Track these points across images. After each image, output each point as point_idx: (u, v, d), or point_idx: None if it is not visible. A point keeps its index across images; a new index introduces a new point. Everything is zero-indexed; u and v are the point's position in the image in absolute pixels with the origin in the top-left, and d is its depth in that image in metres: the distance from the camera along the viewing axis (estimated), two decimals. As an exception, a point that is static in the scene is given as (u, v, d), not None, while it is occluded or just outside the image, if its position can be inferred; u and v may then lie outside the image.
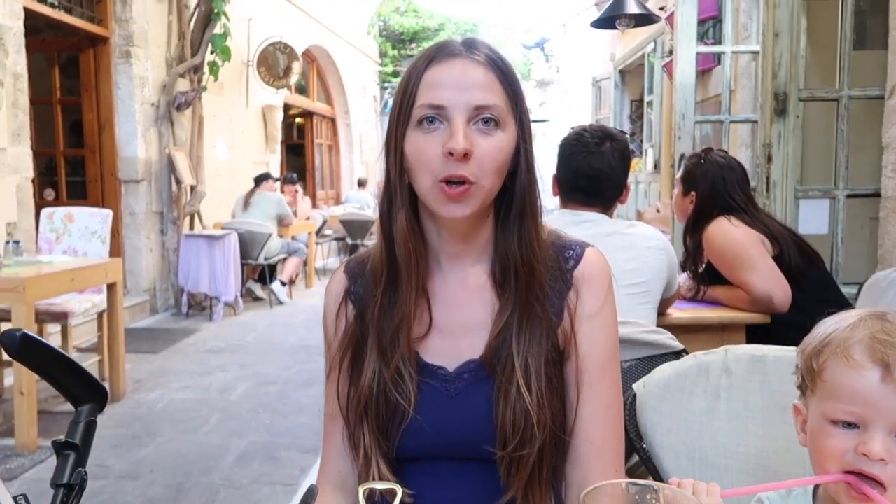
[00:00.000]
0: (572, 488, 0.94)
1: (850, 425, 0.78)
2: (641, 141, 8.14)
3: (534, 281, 0.91)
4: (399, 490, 0.72)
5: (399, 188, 0.91)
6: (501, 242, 0.93)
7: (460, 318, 0.94)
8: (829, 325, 0.85)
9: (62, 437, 0.72)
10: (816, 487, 0.86)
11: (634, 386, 1.24)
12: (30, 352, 0.72)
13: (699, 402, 1.21)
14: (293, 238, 7.34)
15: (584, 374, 0.93)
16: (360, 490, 0.72)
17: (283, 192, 7.70)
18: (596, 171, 1.76)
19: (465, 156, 0.84)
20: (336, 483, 0.98)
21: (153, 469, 2.97)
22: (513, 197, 0.92)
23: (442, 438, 0.91)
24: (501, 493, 0.90)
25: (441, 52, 0.89)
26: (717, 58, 4.91)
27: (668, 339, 1.59)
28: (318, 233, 8.65)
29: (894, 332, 0.78)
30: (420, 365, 0.93)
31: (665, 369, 1.24)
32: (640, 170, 7.44)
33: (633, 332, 1.54)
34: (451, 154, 0.84)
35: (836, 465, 0.78)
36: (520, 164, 0.91)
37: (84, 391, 0.76)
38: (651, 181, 6.92)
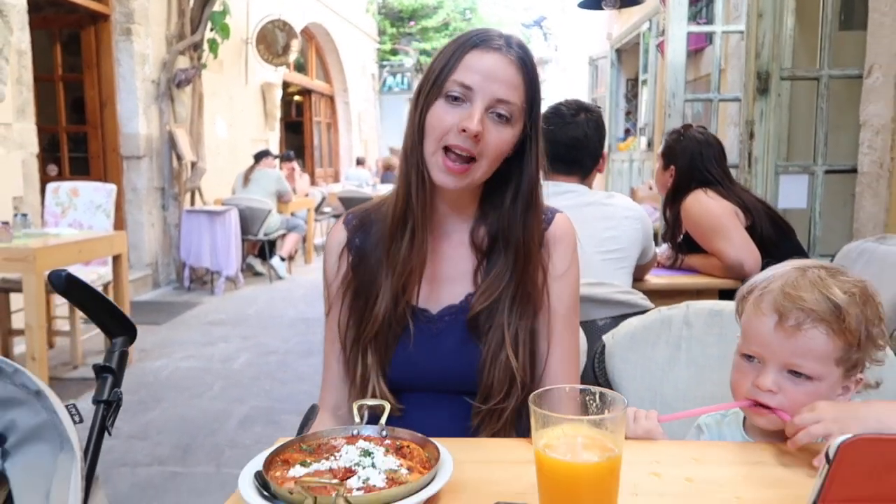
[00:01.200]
0: None
1: (753, 359, 0.93)
2: (637, 120, 8.22)
3: (529, 266, 1.06)
4: (387, 406, 0.85)
5: (419, 145, 1.03)
6: (499, 222, 1.06)
7: (442, 269, 1.09)
8: (760, 275, 0.99)
9: (101, 362, 0.85)
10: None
11: (604, 337, 1.37)
12: (73, 290, 0.84)
13: (662, 352, 1.35)
14: (292, 214, 7.45)
15: (554, 327, 1.09)
16: (354, 406, 0.85)
17: (280, 169, 7.80)
18: (572, 139, 1.88)
19: (476, 137, 0.98)
20: (330, 410, 1.13)
21: (160, 431, 3.12)
22: (518, 189, 1.05)
23: (426, 370, 1.06)
24: (466, 417, 1.04)
25: (484, 43, 1.01)
26: (709, 37, 4.99)
27: (640, 299, 1.71)
28: (317, 210, 8.75)
29: (801, 286, 0.91)
30: (410, 306, 1.08)
31: (632, 322, 1.37)
32: (634, 148, 7.52)
33: (608, 293, 1.67)
34: (464, 131, 0.98)
35: (740, 393, 0.94)
36: (529, 158, 1.05)
37: (118, 326, 0.89)
38: (645, 159, 7.01)
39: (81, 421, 0.79)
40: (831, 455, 0.48)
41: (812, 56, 3.67)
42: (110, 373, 0.85)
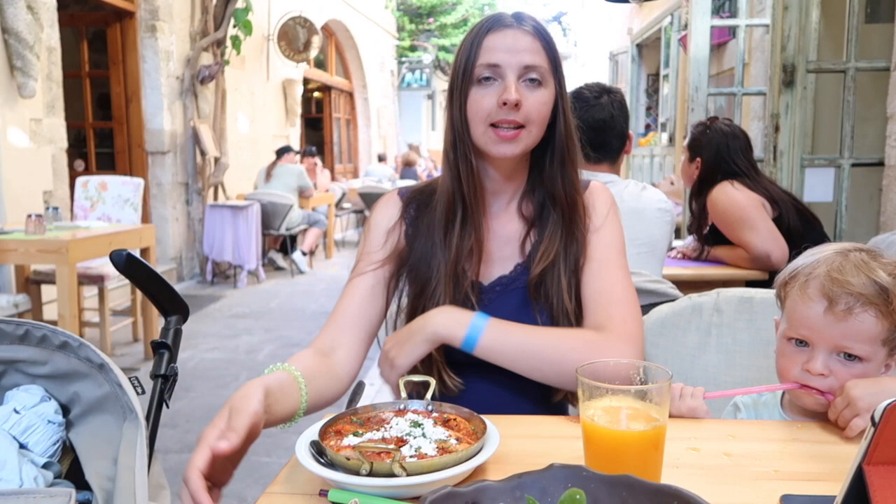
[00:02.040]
0: None
1: (801, 343, 0.94)
2: (657, 115, 8.18)
3: (576, 213, 1.12)
4: (433, 382, 0.87)
5: (465, 135, 1.09)
6: (543, 185, 1.12)
7: (493, 246, 1.14)
8: (800, 260, 1.00)
9: (158, 339, 0.89)
10: (783, 393, 1.02)
11: (635, 323, 1.39)
12: (133, 269, 0.88)
13: (692, 338, 1.37)
14: (314, 209, 7.51)
15: (601, 274, 1.10)
16: (401, 382, 0.88)
17: (301, 164, 7.86)
18: (599, 122, 1.88)
19: (516, 105, 1.04)
20: (320, 349, 1.11)
21: (189, 419, 3.18)
22: (552, 146, 1.11)
23: None
24: (530, 391, 1.08)
25: (497, 24, 1.08)
26: (732, 31, 4.97)
27: (669, 288, 1.73)
28: (338, 205, 8.81)
29: (846, 271, 0.92)
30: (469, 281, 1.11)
31: (663, 309, 1.39)
32: (656, 143, 7.49)
33: (638, 282, 1.68)
34: (504, 104, 1.03)
35: (789, 376, 0.95)
36: (558, 115, 1.11)
37: (173, 304, 0.93)
38: (666, 154, 6.99)
39: (143, 392, 0.83)
40: (877, 418, 0.50)
41: (838, 49, 3.64)
42: (166, 349, 0.89)
